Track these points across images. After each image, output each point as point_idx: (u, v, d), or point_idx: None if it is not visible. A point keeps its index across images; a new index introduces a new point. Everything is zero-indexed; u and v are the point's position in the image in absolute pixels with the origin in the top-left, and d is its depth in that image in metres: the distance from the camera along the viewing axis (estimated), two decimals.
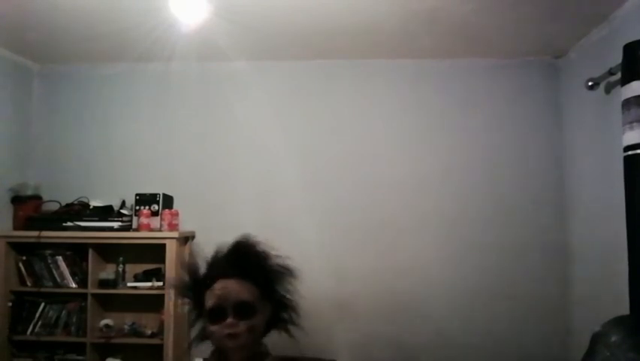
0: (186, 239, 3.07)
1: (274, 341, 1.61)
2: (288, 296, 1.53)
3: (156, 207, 2.97)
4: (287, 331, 1.52)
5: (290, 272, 1.54)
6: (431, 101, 3.15)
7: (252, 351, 1.42)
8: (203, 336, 1.48)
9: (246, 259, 1.47)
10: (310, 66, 3.19)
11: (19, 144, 3.16)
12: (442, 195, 3.09)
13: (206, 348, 1.53)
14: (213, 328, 1.37)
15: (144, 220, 2.91)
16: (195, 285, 1.48)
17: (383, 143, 3.15)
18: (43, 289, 2.93)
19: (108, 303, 3.05)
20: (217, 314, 1.37)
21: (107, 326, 2.93)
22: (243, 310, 1.37)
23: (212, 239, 3.23)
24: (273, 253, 1.52)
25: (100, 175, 3.20)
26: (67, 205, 3.07)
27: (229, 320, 1.35)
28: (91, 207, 3.06)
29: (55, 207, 3.09)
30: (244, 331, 1.36)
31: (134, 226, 2.95)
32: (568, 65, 3.01)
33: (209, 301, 1.40)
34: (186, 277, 1.51)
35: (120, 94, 3.26)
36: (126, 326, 2.96)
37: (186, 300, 1.52)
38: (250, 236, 1.54)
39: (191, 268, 1.53)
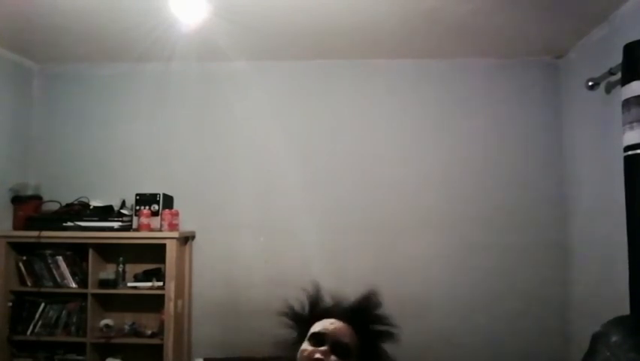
0: (186, 239, 3.07)
1: None
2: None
3: (156, 207, 2.98)
4: None
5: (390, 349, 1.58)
6: (431, 101, 3.15)
7: None
8: (291, 355, 1.52)
9: (363, 316, 1.57)
10: (310, 66, 3.19)
11: (19, 144, 3.16)
12: (442, 195, 3.09)
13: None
14: (306, 347, 1.44)
15: (144, 220, 2.91)
16: (310, 316, 1.56)
17: (383, 143, 3.15)
18: (43, 289, 2.93)
19: (108, 303, 3.05)
20: (317, 339, 1.45)
21: (107, 326, 2.93)
22: (340, 349, 1.44)
23: (212, 239, 3.26)
24: (387, 319, 1.60)
25: (100, 175, 3.20)
26: (68, 205, 3.07)
27: (324, 347, 1.42)
28: (91, 207, 3.05)
29: (55, 207, 3.09)
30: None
31: (134, 226, 2.95)
32: (568, 65, 3.01)
33: (317, 327, 1.48)
34: (309, 304, 1.60)
35: (120, 94, 3.25)
36: (126, 326, 2.96)
37: (294, 320, 1.60)
38: (375, 294, 1.65)
39: (315, 299, 1.62)
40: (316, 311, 1.57)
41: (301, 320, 1.57)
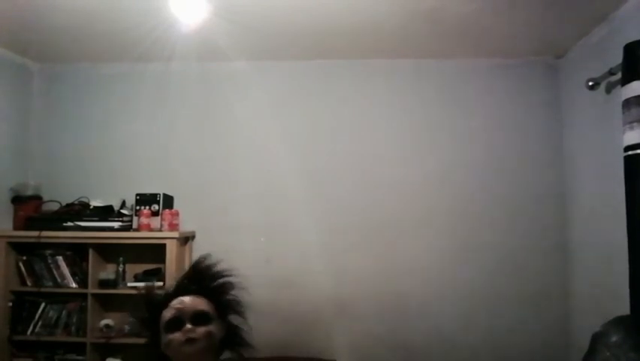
0: (186, 239, 3.07)
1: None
2: (240, 317, 1.59)
3: (156, 207, 2.98)
4: (239, 353, 1.57)
5: (240, 296, 1.60)
6: (431, 101, 3.15)
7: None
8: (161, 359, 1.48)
9: (202, 278, 1.55)
10: (310, 66, 3.19)
11: (19, 144, 3.16)
12: (442, 195, 3.09)
13: None
14: (171, 336, 1.41)
15: (144, 220, 2.91)
16: (153, 310, 1.50)
17: (383, 143, 3.15)
18: (43, 289, 2.93)
19: (108, 303, 3.05)
20: (175, 324, 1.42)
21: (107, 326, 2.93)
22: (200, 318, 1.43)
23: (213, 239, 3.26)
24: (226, 272, 1.59)
25: (100, 175, 3.20)
26: (68, 205, 3.07)
27: (187, 326, 1.41)
28: (91, 207, 3.05)
29: (55, 207, 3.09)
30: (202, 335, 1.41)
31: (135, 225, 2.95)
32: (568, 65, 3.01)
33: (167, 314, 1.44)
34: (144, 304, 1.54)
35: (120, 94, 3.25)
36: (126, 326, 2.96)
37: (142, 326, 1.54)
38: (208, 256, 1.63)
39: (148, 294, 1.56)
40: (157, 304, 1.51)
41: (148, 319, 1.52)
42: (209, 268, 1.59)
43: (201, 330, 1.41)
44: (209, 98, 3.23)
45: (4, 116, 3.04)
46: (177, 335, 1.40)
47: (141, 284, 2.90)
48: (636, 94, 2.01)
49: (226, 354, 1.56)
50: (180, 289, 1.52)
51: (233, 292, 1.57)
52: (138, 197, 3.00)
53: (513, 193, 3.06)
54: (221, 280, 1.57)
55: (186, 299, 1.47)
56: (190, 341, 1.39)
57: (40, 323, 2.92)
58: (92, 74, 3.27)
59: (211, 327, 1.44)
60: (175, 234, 2.88)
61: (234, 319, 1.57)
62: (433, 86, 3.16)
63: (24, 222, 2.96)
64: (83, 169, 3.21)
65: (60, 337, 2.92)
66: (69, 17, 2.53)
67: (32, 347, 2.95)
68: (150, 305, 1.52)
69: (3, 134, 3.03)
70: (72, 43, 2.91)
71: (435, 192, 3.10)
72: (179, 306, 1.44)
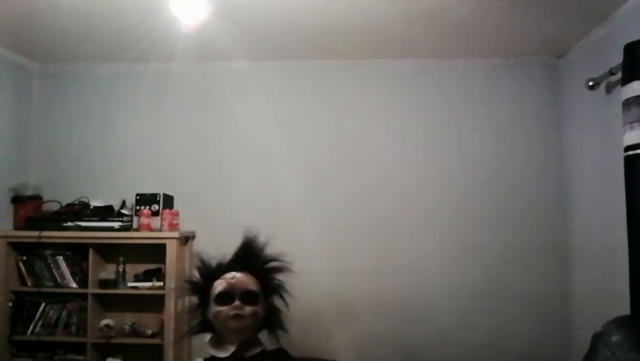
0: (186, 239, 3.07)
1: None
2: (282, 300, 1.71)
3: (156, 207, 2.98)
4: (276, 334, 1.68)
5: (286, 279, 1.72)
6: (431, 101, 3.15)
7: (249, 337, 1.55)
8: (204, 324, 1.61)
9: (252, 258, 1.66)
10: (310, 66, 3.19)
11: (19, 144, 3.16)
12: (443, 195, 3.09)
13: (204, 349, 1.59)
14: (220, 309, 1.51)
15: (144, 220, 2.91)
16: (206, 277, 1.62)
17: (383, 143, 3.15)
18: (43, 289, 2.93)
19: (108, 303, 3.05)
20: (225, 298, 1.52)
21: (107, 326, 2.93)
22: (249, 297, 1.54)
23: (213, 239, 3.26)
24: (277, 256, 1.70)
25: (100, 175, 3.20)
26: (68, 205, 3.07)
27: (237, 302, 1.51)
28: (91, 207, 3.05)
29: (55, 207, 3.09)
30: (249, 314, 1.51)
31: (135, 225, 2.95)
32: (568, 65, 3.01)
33: (219, 286, 1.54)
34: (198, 270, 1.66)
35: (120, 94, 3.26)
36: (126, 326, 2.96)
37: (193, 290, 1.66)
38: (257, 236, 1.73)
39: (203, 262, 1.68)
40: (210, 273, 1.63)
41: (200, 285, 1.63)
42: (260, 248, 1.69)
43: (249, 309, 1.51)
44: (209, 99, 3.23)
45: (4, 116, 3.04)
46: (226, 309, 1.50)
47: (141, 284, 2.92)
48: (636, 94, 2.01)
49: (263, 332, 1.65)
50: (234, 264, 1.62)
51: (280, 276, 1.68)
52: (138, 197, 3.00)
53: (513, 193, 3.06)
54: (271, 263, 1.67)
55: (239, 275, 1.57)
56: (237, 316, 1.48)
57: (40, 323, 2.92)
58: (92, 74, 3.27)
59: (257, 307, 1.54)
60: (175, 234, 2.88)
61: (276, 301, 1.68)
62: (433, 86, 3.16)
63: (24, 222, 2.96)
64: (83, 169, 3.21)
65: (60, 337, 2.92)
66: (69, 17, 2.53)
67: (32, 347, 2.95)
68: (204, 273, 1.62)
69: (3, 134, 3.03)
70: (72, 44, 2.91)
71: (435, 191, 3.10)
72: (231, 281, 1.54)
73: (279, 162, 3.16)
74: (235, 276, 1.57)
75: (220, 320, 1.52)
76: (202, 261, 1.68)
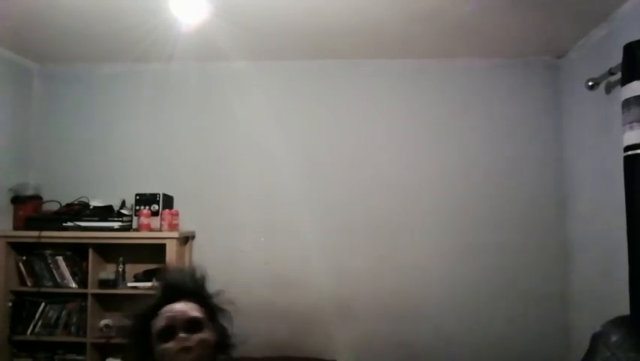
0: (186, 239, 3.07)
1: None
2: (227, 319, 1.52)
3: (156, 207, 2.98)
4: (231, 356, 1.50)
5: (224, 297, 1.54)
6: (431, 101, 3.15)
7: None
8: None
9: (181, 286, 1.48)
10: (310, 66, 3.19)
11: (19, 144, 3.16)
12: (443, 195, 3.09)
13: None
14: (165, 346, 1.35)
15: (144, 220, 2.91)
16: (142, 322, 1.44)
17: (383, 143, 3.15)
18: (43, 289, 2.93)
19: (108, 303, 3.04)
20: (168, 333, 1.36)
21: (107, 326, 2.93)
22: (193, 325, 1.38)
23: (212, 239, 3.26)
24: (205, 277, 1.53)
25: (100, 175, 3.20)
26: (68, 205, 3.07)
27: (180, 334, 1.35)
28: (91, 207, 3.05)
29: (55, 207, 3.09)
30: (197, 343, 1.35)
31: (134, 225, 2.95)
32: (568, 65, 3.01)
33: (159, 323, 1.38)
34: (130, 319, 1.47)
35: (120, 94, 3.25)
36: None
37: (133, 343, 1.47)
38: (173, 264, 1.58)
39: (132, 311, 1.50)
40: (144, 315, 1.45)
41: (138, 332, 1.44)
42: (185, 274, 1.53)
43: (196, 337, 1.36)
44: (209, 99, 3.23)
45: (4, 116, 3.04)
46: (171, 345, 1.34)
47: (141, 284, 2.92)
48: (636, 94, 2.01)
49: (220, 357, 1.50)
50: (165, 299, 1.44)
51: (216, 295, 1.52)
52: (138, 197, 3.00)
53: (513, 193, 3.06)
54: (203, 283, 1.52)
55: (177, 306, 1.41)
56: (185, 349, 1.33)
57: (40, 323, 2.92)
58: (92, 74, 3.27)
59: (205, 333, 1.39)
60: (175, 234, 2.88)
61: (225, 321, 1.52)
62: (433, 86, 3.16)
63: (24, 222, 2.96)
64: (83, 169, 3.21)
65: (60, 337, 2.92)
66: (69, 17, 2.53)
67: (32, 347, 2.95)
68: (138, 317, 1.45)
69: (3, 134, 3.03)
70: (72, 44, 2.91)
71: (435, 191, 3.10)
72: (170, 314, 1.38)
73: (279, 162, 3.16)
74: (172, 308, 1.40)
75: (167, 358, 1.34)
76: (131, 311, 1.49)
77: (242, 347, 1.50)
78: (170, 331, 1.36)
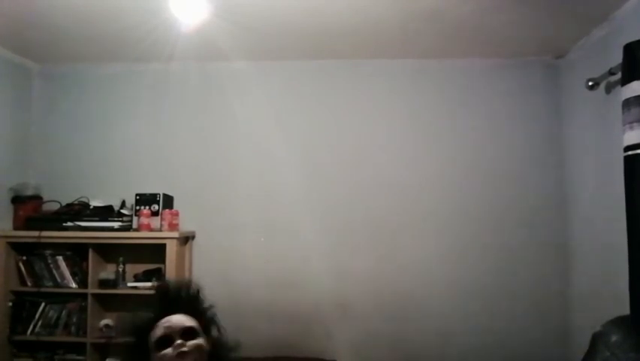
0: (186, 239, 3.07)
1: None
2: (221, 332, 1.62)
3: (156, 207, 2.98)
4: None
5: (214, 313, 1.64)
6: (431, 101, 3.15)
7: None
8: None
9: (176, 300, 1.58)
10: (310, 66, 3.19)
11: (19, 144, 3.16)
12: (443, 195, 3.09)
13: None
14: (162, 353, 1.43)
15: (144, 220, 2.91)
16: (140, 334, 1.52)
17: (383, 143, 3.15)
18: (43, 289, 2.93)
19: (108, 303, 3.04)
20: (165, 342, 1.45)
21: (107, 326, 2.93)
22: (188, 333, 1.47)
23: (212, 239, 3.26)
24: (198, 290, 1.62)
25: (100, 175, 3.20)
26: (68, 205, 3.07)
27: (177, 341, 1.44)
28: (91, 207, 3.05)
29: (55, 207, 3.09)
30: (193, 348, 1.44)
31: (134, 226, 2.95)
32: (568, 65, 3.01)
33: (157, 333, 1.47)
34: (128, 332, 1.56)
35: (120, 94, 3.25)
36: None
37: (131, 354, 1.55)
38: (175, 279, 1.65)
39: (130, 322, 1.59)
40: (142, 327, 1.54)
41: (136, 344, 1.53)
42: (178, 289, 1.61)
43: (192, 343, 1.44)
44: (209, 99, 3.23)
45: (4, 116, 3.04)
46: (168, 351, 1.43)
47: (141, 284, 2.92)
48: (636, 94, 2.01)
49: None
50: (161, 312, 1.54)
51: (209, 308, 1.61)
52: (138, 197, 3.00)
53: (513, 193, 3.06)
54: (196, 298, 1.61)
55: (173, 318, 1.51)
56: (181, 355, 1.41)
57: (40, 323, 2.92)
58: (92, 74, 3.27)
59: (200, 340, 1.48)
60: (175, 234, 2.88)
61: (218, 334, 1.61)
62: (433, 86, 3.16)
63: (24, 222, 2.96)
64: (83, 169, 3.21)
65: (60, 337, 2.92)
66: (69, 17, 2.53)
67: (32, 347, 2.95)
68: (137, 330, 1.54)
69: (3, 134, 3.03)
70: (72, 43, 2.91)
71: (435, 191, 3.10)
72: (167, 325, 1.48)
73: (279, 162, 3.16)
74: (169, 319, 1.50)
75: None
76: (129, 321, 1.59)
77: (235, 357, 1.58)
78: (167, 340, 1.45)
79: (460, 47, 2.96)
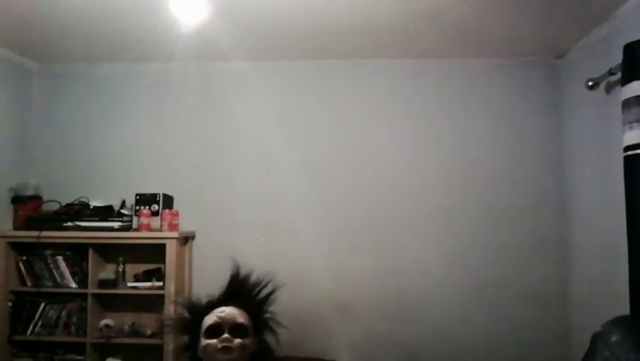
0: (186, 239, 3.07)
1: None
2: (274, 335, 1.68)
3: (156, 207, 2.98)
4: None
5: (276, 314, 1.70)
6: (431, 101, 3.15)
7: None
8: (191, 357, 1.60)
9: (242, 293, 1.65)
10: (310, 66, 3.19)
11: (19, 144, 3.16)
12: (442, 195, 3.09)
13: None
14: (209, 342, 1.50)
15: (144, 220, 2.91)
16: (196, 315, 1.61)
17: (383, 143, 3.15)
18: (43, 289, 2.93)
19: (108, 303, 3.05)
20: (214, 331, 1.51)
21: (107, 326, 2.93)
22: (238, 330, 1.52)
23: (212, 239, 3.26)
24: (266, 283, 1.68)
25: (100, 175, 3.20)
26: (68, 205, 3.07)
27: (225, 335, 1.50)
28: (91, 207, 3.05)
29: (55, 207, 3.09)
30: (237, 346, 1.49)
31: (134, 225, 2.95)
32: (568, 65, 3.01)
33: (209, 320, 1.54)
34: (187, 309, 1.65)
35: (120, 94, 3.25)
36: (126, 326, 2.97)
37: (184, 329, 1.65)
38: (245, 269, 1.72)
39: (192, 301, 1.69)
40: (200, 310, 1.62)
41: (190, 323, 1.62)
42: (250, 282, 1.67)
43: (237, 341, 1.49)
44: (209, 99, 3.23)
45: (4, 116, 3.04)
46: (214, 342, 1.48)
47: (141, 284, 2.92)
48: (636, 94, 2.01)
49: None
50: (224, 299, 1.61)
51: (271, 310, 1.67)
52: (138, 197, 3.00)
53: (513, 193, 3.06)
54: (261, 297, 1.66)
55: (228, 310, 1.56)
56: (225, 349, 1.47)
57: (40, 323, 2.92)
58: (92, 74, 3.27)
59: (247, 340, 1.52)
60: (175, 234, 2.88)
61: (268, 336, 1.66)
62: (433, 86, 3.16)
63: (24, 222, 2.96)
64: (83, 169, 3.21)
65: (60, 337, 2.92)
66: (69, 17, 2.53)
67: (32, 347, 2.95)
68: (193, 309, 1.62)
69: (3, 134, 3.02)
70: (72, 43, 2.91)
71: (435, 191, 3.10)
72: (221, 315, 1.53)
73: (279, 162, 3.16)
74: (224, 310, 1.56)
75: (208, 352, 1.50)
76: (191, 299, 1.70)
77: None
78: (217, 329, 1.51)
79: (460, 47, 2.96)
